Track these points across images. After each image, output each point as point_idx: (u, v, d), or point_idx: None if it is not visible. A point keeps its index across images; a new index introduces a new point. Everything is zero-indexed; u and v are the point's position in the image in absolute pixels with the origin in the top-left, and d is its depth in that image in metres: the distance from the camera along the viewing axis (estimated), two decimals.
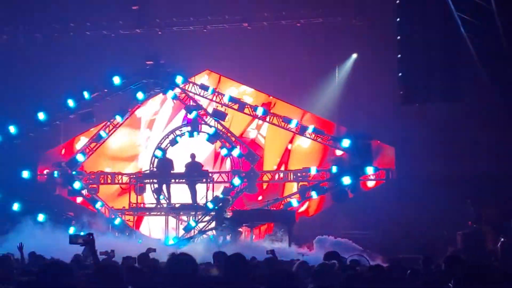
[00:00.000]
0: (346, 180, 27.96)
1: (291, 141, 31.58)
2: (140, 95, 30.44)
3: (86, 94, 30.31)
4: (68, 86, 31.39)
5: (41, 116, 30.36)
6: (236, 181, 29.06)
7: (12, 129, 30.18)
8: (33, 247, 17.48)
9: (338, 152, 29.76)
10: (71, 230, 26.29)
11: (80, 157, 30.65)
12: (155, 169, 30.25)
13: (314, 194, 28.67)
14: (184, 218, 29.71)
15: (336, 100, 30.99)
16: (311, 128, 29.13)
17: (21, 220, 26.01)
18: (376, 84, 28.86)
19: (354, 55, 31.37)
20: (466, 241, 23.87)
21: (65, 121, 31.43)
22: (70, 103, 30.38)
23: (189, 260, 7.41)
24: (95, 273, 7.05)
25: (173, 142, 30.34)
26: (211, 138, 29.86)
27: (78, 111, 30.56)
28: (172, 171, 29.93)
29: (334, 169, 28.56)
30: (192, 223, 28.54)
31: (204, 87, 30.16)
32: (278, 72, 30.97)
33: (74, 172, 30.37)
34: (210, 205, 28.48)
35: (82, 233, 12.18)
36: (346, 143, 28.52)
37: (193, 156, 29.82)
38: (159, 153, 30.22)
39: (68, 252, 14.52)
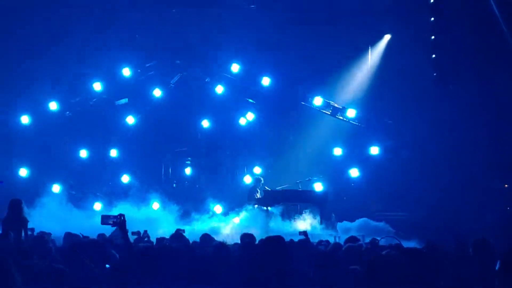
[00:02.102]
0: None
1: None
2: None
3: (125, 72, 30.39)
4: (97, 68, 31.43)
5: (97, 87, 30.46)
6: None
7: (53, 105, 30.17)
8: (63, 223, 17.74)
9: None
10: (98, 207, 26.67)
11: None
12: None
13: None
14: None
15: (369, 81, 30.84)
16: (345, 110, 29.13)
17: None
18: (409, 65, 28.67)
19: (387, 36, 31.19)
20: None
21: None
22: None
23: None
24: (133, 255, 7.09)
25: None
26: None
27: None
28: None
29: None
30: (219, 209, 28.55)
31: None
32: (309, 54, 30.79)
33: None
34: (246, 181, 28.68)
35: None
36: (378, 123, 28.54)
37: None
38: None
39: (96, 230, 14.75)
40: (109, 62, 30.34)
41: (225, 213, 27.22)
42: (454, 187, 27.55)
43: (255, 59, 30.15)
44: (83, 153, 29.96)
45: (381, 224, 25.06)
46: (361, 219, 25.90)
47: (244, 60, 30.42)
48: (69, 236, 16.38)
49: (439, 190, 27.70)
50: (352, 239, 13.04)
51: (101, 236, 14.48)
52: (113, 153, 30.10)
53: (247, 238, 13.36)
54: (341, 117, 29.38)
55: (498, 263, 7.42)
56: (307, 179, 28.25)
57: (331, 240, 18.94)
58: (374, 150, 28.68)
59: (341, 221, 26.22)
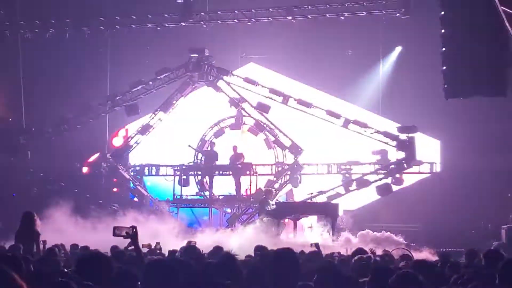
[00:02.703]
0: (391, 174, 27.90)
1: None
2: (184, 88, 30.68)
3: (131, 86, 30.65)
4: (113, 79, 31.85)
5: (88, 107, 30.74)
6: (280, 173, 29.13)
7: (60, 121, 30.60)
8: (78, 239, 17.74)
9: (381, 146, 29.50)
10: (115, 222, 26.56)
11: (125, 149, 30.95)
12: (199, 161, 30.47)
13: (357, 187, 28.61)
14: (228, 210, 29.92)
15: (380, 93, 30.94)
16: (355, 121, 29.02)
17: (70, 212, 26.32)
18: (420, 77, 28.77)
19: (399, 48, 31.33)
20: (510, 235, 23.74)
21: (110, 113, 31.76)
22: (116, 95, 30.79)
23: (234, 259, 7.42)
24: (145, 271, 7.07)
25: (217, 134, 30.58)
26: (255, 130, 30.03)
27: (124, 103, 30.91)
28: (215, 163, 30.13)
29: (378, 162, 28.50)
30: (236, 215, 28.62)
31: (247, 80, 30.23)
32: (321, 65, 31.03)
33: (119, 164, 30.70)
34: (253, 198, 28.64)
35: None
36: (390, 136, 28.40)
37: (235, 148, 30.01)
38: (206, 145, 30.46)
39: (110, 243, 14.67)
40: None
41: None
42: (465, 199, 27.54)
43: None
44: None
45: (386, 234, 25.00)
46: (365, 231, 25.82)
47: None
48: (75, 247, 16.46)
49: (449, 201, 27.72)
50: (360, 251, 13.01)
51: (114, 248, 14.46)
52: None
53: (260, 250, 13.34)
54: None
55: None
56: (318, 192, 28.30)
57: (343, 252, 18.90)
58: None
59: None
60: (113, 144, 33.20)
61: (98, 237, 19.27)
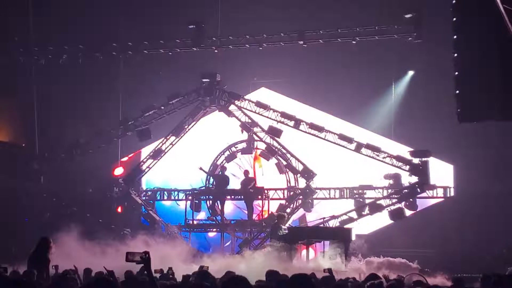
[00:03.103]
0: (404, 198, 27.79)
1: None
2: (196, 113, 30.73)
3: (143, 111, 30.74)
4: (125, 104, 31.93)
5: (99, 133, 30.81)
6: (292, 197, 29.07)
7: (72, 146, 30.71)
8: (89, 263, 17.66)
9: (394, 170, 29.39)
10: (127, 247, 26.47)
11: (137, 174, 30.96)
12: (210, 185, 30.42)
13: (370, 212, 28.50)
14: (239, 234, 29.83)
15: (393, 117, 30.89)
16: (367, 145, 28.94)
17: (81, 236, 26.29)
18: (433, 101, 28.74)
19: (411, 72, 31.32)
20: None
21: (122, 138, 31.81)
22: (128, 120, 30.86)
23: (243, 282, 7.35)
24: None
25: (229, 158, 30.53)
26: (266, 155, 30.00)
27: (136, 128, 30.96)
28: (227, 188, 30.09)
29: (392, 186, 28.39)
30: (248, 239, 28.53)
31: (259, 104, 30.24)
32: (333, 89, 31.06)
33: (131, 189, 30.72)
34: (265, 222, 28.56)
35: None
36: (403, 160, 28.31)
37: (246, 172, 29.97)
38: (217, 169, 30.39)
39: (124, 268, 14.60)
40: None
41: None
42: (479, 223, 27.40)
43: None
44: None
45: (402, 260, 24.83)
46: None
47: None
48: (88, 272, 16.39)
49: (463, 226, 27.58)
50: (374, 276, 12.92)
51: (129, 273, 14.40)
52: None
53: (272, 275, 13.24)
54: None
55: None
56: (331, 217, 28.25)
57: (357, 277, 18.77)
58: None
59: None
60: (114, 174, 32.87)
61: (111, 261, 19.19)
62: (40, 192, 31.30)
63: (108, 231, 28.53)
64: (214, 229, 30.48)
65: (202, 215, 30.90)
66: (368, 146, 28.90)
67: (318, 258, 25.44)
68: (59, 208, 30.31)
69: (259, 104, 30.25)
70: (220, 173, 30.50)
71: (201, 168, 30.33)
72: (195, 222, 30.26)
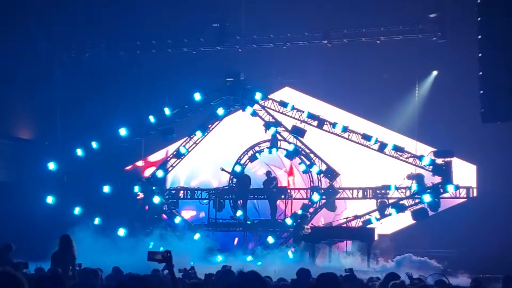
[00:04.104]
0: (427, 198, 27.74)
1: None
2: (220, 112, 30.78)
3: (167, 110, 30.81)
4: (149, 102, 32.02)
5: (122, 132, 30.90)
6: (315, 197, 29.07)
7: (94, 144, 30.83)
8: (115, 262, 17.77)
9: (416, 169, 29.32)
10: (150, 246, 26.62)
11: (160, 173, 31.06)
12: (234, 185, 30.45)
13: (393, 212, 28.46)
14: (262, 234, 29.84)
15: (416, 117, 30.79)
16: (391, 145, 28.89)
17: (102, 234, 26.42)
18: (457, 101, 28.65)
19: (435, 72, 31.23)
20: None
21: (146, 137, 31.88)
22: (151, 119, 30.95)
23: (258, 280, 7.33)
24: None
25: (252, 158, 30.54)
26: (290, 155, 30.00)
27: (159, 127, 31.04)
28: (249, 187, 30.13)
29: (415, 186, 28.31)
30: (271, 240, 28.56)
31: (283, 104, 30.24)
32: (357, 89, 31.02)
33: (154, 187, 30.81)
34: (288, 222, 28.56)
35: (161, 249, 12.32)
36: (426, 160, 28.25)
37: (268, 173, 29.97)
38: (238, 168, 30.39)
39: (149, 267, 14.67)
40: None
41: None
42: (503, 224, 27.28)
43: None
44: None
45: (424, 260, 24.79)
46: (406, 255, 25.62)
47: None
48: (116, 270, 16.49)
49: (486, 226, 27.46)
50: (393, 275, 12.83)
51: (155, 272, 14.50)
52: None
53: (303, 274, 13.24)
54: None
55: None
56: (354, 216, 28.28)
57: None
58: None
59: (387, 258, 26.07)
60: (149, 167, 33.22)
61: (135, 260, 19.32)
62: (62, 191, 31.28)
63: (132, 229, 28.72)
64: (237, 229, 30.49)
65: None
66: (392, 147, 28.85)
67: (340, 258, 25.45)
68: (84, 206, 30.30)
69: (282, 104, 30.11)
70: (242, 172, 30.49)
71: (223, 169, 30.40)
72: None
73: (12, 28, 30.73)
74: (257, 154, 30.47)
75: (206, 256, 26.48)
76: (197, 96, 30.80)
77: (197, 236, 28.75)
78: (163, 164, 31.76)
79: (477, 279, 15.42)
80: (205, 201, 30.83)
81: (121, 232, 28.93)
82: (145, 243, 26.55)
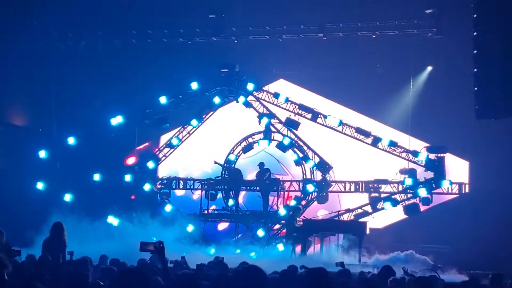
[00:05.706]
0: (423, 192, 27.79)
1: None
2: (216, 100, 30.76)
3: (162, 99, 30.72)
4: (143, 92, 31.97)
5: (118, 120, 30.83)
6: (310, 188, 29.05)
7: (90, 133, 30.80)
8: (105, 250, 17.77)
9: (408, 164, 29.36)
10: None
11: (151, 164, 30.99)
12: (226, 176, 30.42)
13: (385, 206, 28.50)
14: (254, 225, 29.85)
15: (410, 112, 30.84)
16: (385, 139, 28.90)
17: (93, 223, 26.37)
18: (451, 97, 28.72)
19: (429, 68, 31.26)
20: None
21: (140, 127, 31.79)
22: (145, 108, 30.89)
23: (260, 273, 7.35)
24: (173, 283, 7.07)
25: (246, 149, 30.47)
26: (283, 147, 29.97)
27: (153, 116, 30.99)
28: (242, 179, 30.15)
29: (409, 181, 28.34)
30: (261, 233, 28.51)
31: (277, 96, 30.21)
32: (351, 83, 31.04)
33: (147, 177, 30.78)
34: (282, 212, 28.56)
35: (154, 239, 12.30)
36: (421, 156, 28.29)
37: (261, 165, 29.93)
38: (232, 157, 30.37)
39: (134, 255, 14.63)
40: None
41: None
42: (495, 220, 27.34)
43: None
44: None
45: (422, 258, 24.86)
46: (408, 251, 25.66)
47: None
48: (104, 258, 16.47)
49: (478, 222, 27.53)
50: (388, 268, 12.76)
51: (141, 261, 14.47)
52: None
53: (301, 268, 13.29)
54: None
55: None
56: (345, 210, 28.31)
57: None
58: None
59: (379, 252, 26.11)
60: (127, 162, 32.85)
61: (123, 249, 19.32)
62: (55, 178, 31.20)
63: (121, 219, 28.60)
64: (229, 220, 30.49)
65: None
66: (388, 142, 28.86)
67: (331, 251, 25.49)
68: (75, 193, 30.22)
69: (276, 96, 30.04)
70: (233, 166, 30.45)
71: (216, 162, 30.37)
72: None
73: (8, 17, 30.57)
74: (254, 145, 30.37)
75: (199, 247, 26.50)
76: (194, 85, 30.74)
77: (190, 228, 28.76)
78: (153, 155, 31.66)
79: (474, 276, 15.49)
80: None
81: (111, 220, 28.88)
82: (134, 231, 26.47)
